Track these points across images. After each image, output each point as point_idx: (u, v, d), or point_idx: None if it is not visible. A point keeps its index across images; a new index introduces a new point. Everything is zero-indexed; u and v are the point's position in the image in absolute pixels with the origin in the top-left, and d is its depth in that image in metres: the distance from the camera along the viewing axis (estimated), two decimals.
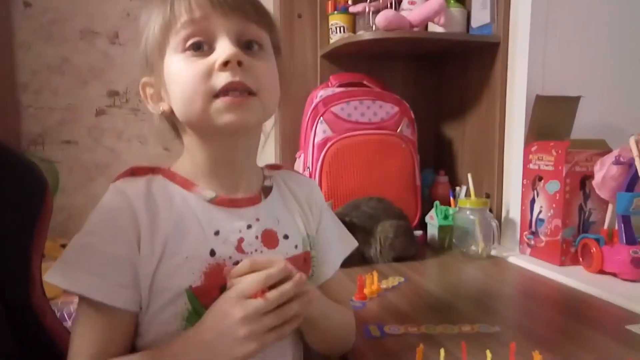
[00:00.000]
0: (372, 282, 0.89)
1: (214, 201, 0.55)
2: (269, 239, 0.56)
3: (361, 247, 1.09)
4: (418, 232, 1.27)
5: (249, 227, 0.55)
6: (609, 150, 1.02)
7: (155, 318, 0.51)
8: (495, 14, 1.22)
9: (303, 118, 1.33)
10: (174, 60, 0.52)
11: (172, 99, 0.53)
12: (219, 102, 0.50)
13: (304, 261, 0.59)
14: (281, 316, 0.49)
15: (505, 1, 1.19)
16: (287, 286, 0.49)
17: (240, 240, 0.54)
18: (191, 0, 0.51)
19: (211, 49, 0.51)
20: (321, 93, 1.29)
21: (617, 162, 0.96)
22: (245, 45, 0.53)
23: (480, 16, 1.27)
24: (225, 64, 0.50)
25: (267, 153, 1.59)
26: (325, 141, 1.25)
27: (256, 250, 0.55)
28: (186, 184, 0.55)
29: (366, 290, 0.87)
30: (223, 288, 0.51)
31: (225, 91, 0.50)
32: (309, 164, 1.27)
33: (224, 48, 0.50)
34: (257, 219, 0.56)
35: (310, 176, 1.26)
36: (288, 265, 0.50)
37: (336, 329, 0.62)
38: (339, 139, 1.25)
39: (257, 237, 0.55)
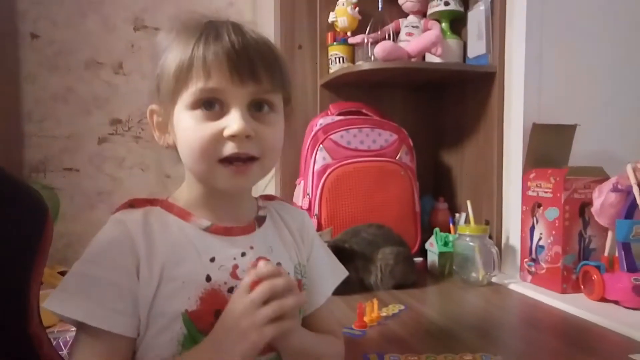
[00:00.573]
0: (372, 310, 0.89)
1: (209, 229, 0.56)
2: None
3: (361, 274, 1.09)
4: (418, 259, 1.26)
5: (244, 254, 0.57)
6: (607, 178, 1.03)
7: (152, 342, 0.52)
8: (491, 45, 1.25)
9: (303, 146, 1.34)
10: (185, 115, 0.53)
11: (179, 149, 0.55)
12: (223, 169, 0.53)
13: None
14: (278, 307, 0.49)
15: (500, 32, 1.22)
16: (279, 280, 0.50)
17: (235, 266, 0.55)
18: (210, 67, 0.51)
19: (222, 110, 0.53)
20: (321, 121, 1.31)
21: (615, 189, 0.97)
22: (257, 106, 0.54)
23: (476, 47, 1.30)
24: (232, 137, 0.51)
25: (268, 179, 1.60)
26: (324, 168, 1.26)
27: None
28: (183, 214, 0.56)
29: (366, 318, 0.86)
30: (218, 312, 0.51)
31: (229, 159, 0.52)
32: (309, 190, 1.27)
33: (234, 119, 0.51)
34: (252, 247, 0.58)
35: (310, 203, 1.26)
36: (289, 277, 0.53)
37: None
38: (338, 166, 1.26)
39: (251, 266, 0.56)
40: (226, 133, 0.51)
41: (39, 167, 1.92)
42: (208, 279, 0.53)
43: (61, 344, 1.42)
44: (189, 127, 0.53)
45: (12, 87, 1.84)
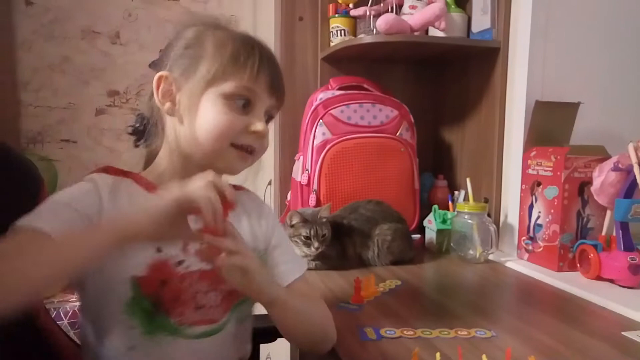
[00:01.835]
0: (369, 285, 0.89)
1: None
2: (215, 248, 0.57)
3: (359, 249, 1.09)
4: (416, 236, 1.27)
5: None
6: (608, 157, 1.02)
7: (100, 301, 0.58)
8: (496, 20, 1.22)
9: (302, 120, 1.33)
10: (219, 102, 0.62)
11: (196, 127, 0.62)
12: (233, 152, 0.64)
13: None
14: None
15: (506, 7, 1.19)
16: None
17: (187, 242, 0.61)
18: (259, 72, 0.63)
19: (248, 108, 0.64)
20: (321, 96, 1.29)
21: (615, 168, 0.96)
22: (267, 117, 0.67)
23: (481, 21, 1.27)
24: (255, 132, 0.64)
25: (267, 155, 1.59)
26: (324, 144, 1.25)
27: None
28: (149, 186, 0.63)
29: (363, 293, 0.87)
30: (163, 282, 0.59)
31: (242, 147, 0.64)
32: (308, 166, 1.26)
33: (260, 119, 0.64)
34: None
35: (309, 178, 1.25)
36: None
37: (307, 316, 0.66)
38: (338, 142, 1.25)
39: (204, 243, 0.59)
40: (253, 128, 0.63)
41: (36, 137, 1.91)
42: (159, 250, 0.59)
43: (61, 313, 1.44)
44: (221, 112, 0.62)
45: (7, 55, 1.81)
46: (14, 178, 0.64)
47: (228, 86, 0.62)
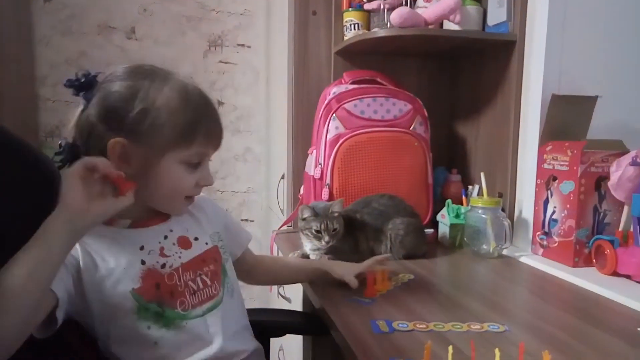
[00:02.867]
0: (382, 279, 0.89)
1: (131, 226, 0.71)
2: (184, 243, 0.74)
3: (371, 243, 1.09)
4: (429, 231, 1.26)
5: (166, 237, 0.72)
6: (626, 151, 1.01)
7: (109, 318, 0.66)
8: (512, 12, 1.21)
9: (316, 114, 1.33)
10: (176, 168, 0.69)
11: (154, 188, 0.69)
12: (184, 202, 0.74)
13: (217, 252, 0.78)
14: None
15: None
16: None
17: (162, 248, 0.71)
18: (211, 137, 0.72)
19: (197, 165, 0.72)
20: (334, 90, 1.29)
21: (634, 163, 0.95)
22: None
23: (497, 14, 1.25)
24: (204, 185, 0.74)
25: (280, 149, 1.60)
26: (337, 138, 1.25)
27: (176, 253, 0.72)
28: (107, 222, 0.68)
29: (376, 287, 0.87)
30: (158, 285, 0.68)
31: (191, 197, 0.74)
32: (321, 160, 1.27)
33: (208, 173, 0.74)
34: (171, 230, 0.74)
35: (322, 172, 1.26)
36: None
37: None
38: (351, 136, 1.25)
39: (174, 244, 0.73)
40: (203, 183, 0.73)
41: (54, 131, 1.94)
42: (143, 262, 0.68)
43: None
44: (178, 177, 0.70)
45: (26, 51, 1.84)
46: (29, 174, 0.65)
47: (185, 153, 0.69)
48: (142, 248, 0.70)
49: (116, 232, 0.70)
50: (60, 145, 0.69)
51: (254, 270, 0.94)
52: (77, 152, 0.68)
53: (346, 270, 0.90)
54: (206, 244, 0.77)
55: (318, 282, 0.94)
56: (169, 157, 0.68)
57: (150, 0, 2.00)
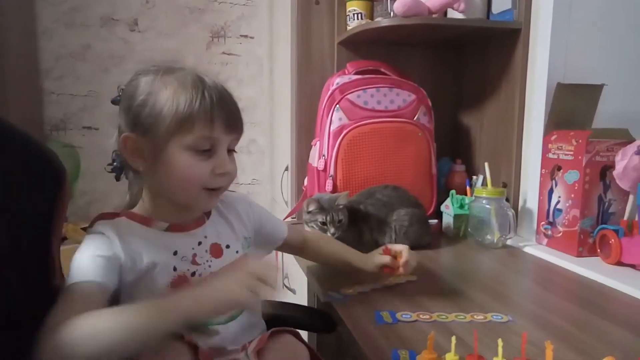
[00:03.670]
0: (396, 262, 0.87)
1: (168, 229, 0.70)
2: (216, 251, 0.73)
3: (375, 234, 1.10)
4: (433, 221, 1.27)
5: (200, 243, 0.71)
6: (632, 140, 1.00)
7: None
8: (517, 0, 1.19)
9: (319, 105, 1.33)
10: (184, 154, 0.66)
11: (167, 178, 0.67)
12: (205, 195, 0.69)
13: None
14: (262, 285, 0.59)
15: None
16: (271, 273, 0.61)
17: (194, 255, 0.70)
18: (215, 119, 0.66)
19: (211, 152, 0.67)
20: (338, 80, 1.29)
21: (639, 152, 0.94)
22: (228, 151, 0.70)
23: (502, 1, 1.24)
24: (221, 174, 0.68)
25: (283, 141, 1.60)
26: (341, 129, 1.25)
27: (207, 262, 0.71)
28: (145, 221, 0.70)
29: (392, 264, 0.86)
30: None
31: (212, 189, 0.69)
32: (325, 151, 1.27)
33: (224, 160, 0.68)
34: (205, 237, 0.72)
35: (326, 164, 1.26)
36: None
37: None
38: (355, 127, 1.25)
39: (206, 251, 0.71)
40: (219, 171, 0.68)
41: (59, 125, 1.95)
42: (175, 269, 0.67)
43: None
44: (187, 164, 0.66)
45: (29, 43, 1.84)
46: (38, 168, 0.66)
47: (188, 138, 0.65)
48: (175, 253, 0.68)
49: (153, 234, 0.69)
50: (112, 156, 0.72)
51: (304, 250, 0.94)
52: (122, 160, 0.71)
53: (370, 263, 0.89)
54: (237, 252, 0.75)
55: (324, 273, 0.94)
56: (173, 144, 0.66)
57: None
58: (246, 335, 0.73)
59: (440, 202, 1.31)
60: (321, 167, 1.26)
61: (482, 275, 0.98)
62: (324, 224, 1.02)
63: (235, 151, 0.73)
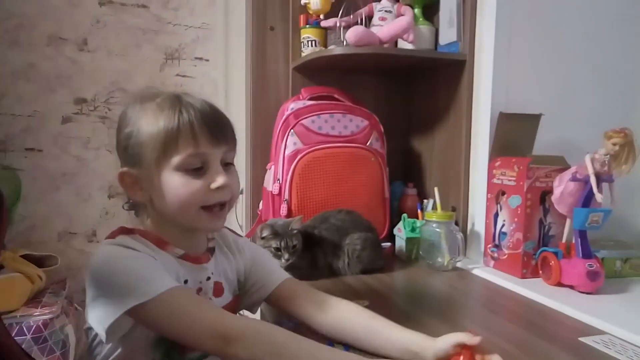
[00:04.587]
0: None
1: (183, 257, 0.69)
2: (218, 290, 0.73)
3: (329, 259, 1.10)
4: (386, 244, 1.29)
5: (208, 279, 0.72)
6: (568, 167, 1.06)
7: (129, 335, 0.63)
8: (462, 33, 1.26)
9: (274, 130, 1.33)
10: (175, 176, 0.65)
11: (165, 203, 0.66)
12: (206, 215, 0.67)
13: (235, 303, 0.77)
14: None
15: (471, 20, 1.23)
16: None
17: (199, 289, 0.70)
18: (197, 134, 0.64)
19: (204, 167, 0.66)
20: (292, 105, 1.30)
21: (574, 178, 1.00)
22: (224, 165, 0.68)
23: (448, 34, 1.30)
24: (217, 189, 0.66)
25: (239, 164, 1.59)
26: (295, 153, 1.26)
27: (209, 299, 0.71)
28: (160, 243, 0.68)
29: None
30: None
31: (212, 207, 0.67)
32: (279, 175, 1.27)
33: (218, 174, 0.66)
34: (212, 273, 0.73)
35: (280, 188, 1.26)
36: None
37: None
38: (309, 152, 1.26)
39: (211, 288, 0.72)
40: (214, 186, 0.66)
41: (0, 145, 1.85)
42: (185, 282, 0.67)
43: (24, 328, 1.39)
44: (180, 185, 0.65)
45: None
46: None
47: (175, 160, 0.64)
48: (186, 282, 0.68)
49: (167, 258, 0.68)
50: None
51: (290, 303, 0.77)
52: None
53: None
54: (231, 294, 0.76)
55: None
56: (163, 168, 0.65)
57: (104, 12, 1.95)
58: None
59: (393, 225, 1.33)
60: (276, 191, 1.26)
61: (432, 299, 1.00)
62: (278, 249, 1.02)
63: (232, 164, 0.71)
